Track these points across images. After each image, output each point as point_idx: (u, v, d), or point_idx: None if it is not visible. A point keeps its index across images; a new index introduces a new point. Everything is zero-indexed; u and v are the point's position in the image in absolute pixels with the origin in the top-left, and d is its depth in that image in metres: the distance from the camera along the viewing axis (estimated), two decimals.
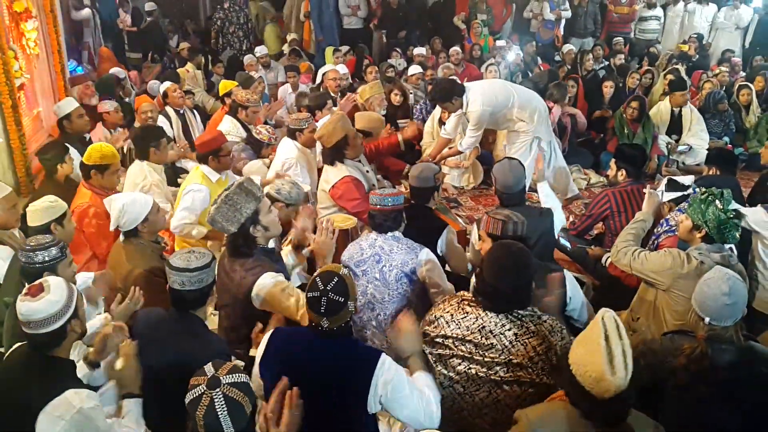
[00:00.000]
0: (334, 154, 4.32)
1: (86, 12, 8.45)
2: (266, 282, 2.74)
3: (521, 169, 3.58)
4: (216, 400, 1.74)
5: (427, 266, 3.04)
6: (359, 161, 4.48)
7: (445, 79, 5.53)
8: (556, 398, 1.99)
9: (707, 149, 6.18)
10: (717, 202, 2.85)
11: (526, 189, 3.63)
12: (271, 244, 3.09)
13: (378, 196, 3.12)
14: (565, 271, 2.99)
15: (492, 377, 2.41)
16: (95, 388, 2.31)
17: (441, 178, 3.69)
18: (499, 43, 9.47)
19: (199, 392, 1.77)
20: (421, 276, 3.05)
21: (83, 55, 8.73)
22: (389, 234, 3.12)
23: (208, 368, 1.84)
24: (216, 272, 2.80)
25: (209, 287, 2.44)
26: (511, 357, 2.36)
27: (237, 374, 1.82)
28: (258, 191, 2.84)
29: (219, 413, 1.72)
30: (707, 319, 2.33)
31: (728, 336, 2.34)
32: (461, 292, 2.62)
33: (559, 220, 3.66)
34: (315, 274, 2.25)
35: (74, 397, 2.03)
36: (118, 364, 2.30)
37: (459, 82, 5.47)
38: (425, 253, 3.07)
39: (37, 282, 2.17)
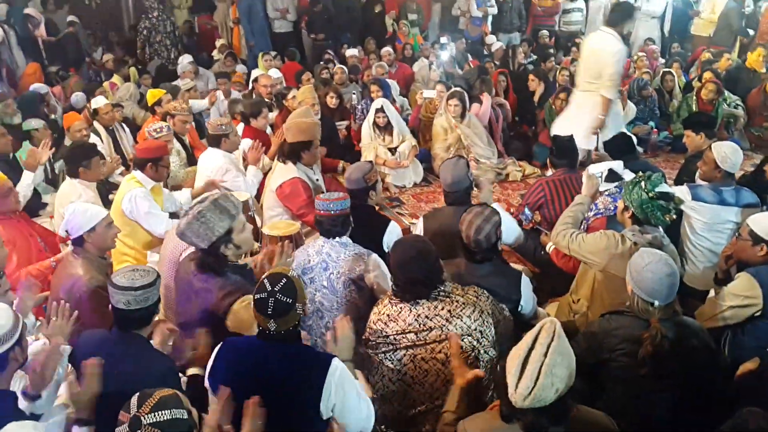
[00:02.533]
0: (291, 153, 4.16)
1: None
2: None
3: (466, 168, 3.64)
4: None
5: (374, 272, 3.03)
6: (311, 168, 4.36)
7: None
8: (496, 407, 1.93)
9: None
10: (642, 183, 2.95)
11: (472, 188, 3.69)
12: None
13: (324, 201, 3.06)
14: (522, 275, 3.06)
15: (437, 356, 2.49)
16: (37, 417, 2.21)
17: (374, 178, 3.62)
18: (443, 39, 9.58)
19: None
20: (369, 282, 3.03)
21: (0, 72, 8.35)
22: (336, 240, 3.08)
23: (133, 403, 1.72)
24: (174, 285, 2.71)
25: (155, 305, 2.35)
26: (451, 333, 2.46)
27: (162, 411, 1.69)
28: (233, 209, 2.70)
29: None
30: (656, 303, 2.39)
31: (673, 312, 2.44)
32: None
33: (512, 229, 3.72)
34: (263, 276, 2.21)
35: (18, 430, 1.95)
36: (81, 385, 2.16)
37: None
38: (373, 260, 3.06)
39: None
